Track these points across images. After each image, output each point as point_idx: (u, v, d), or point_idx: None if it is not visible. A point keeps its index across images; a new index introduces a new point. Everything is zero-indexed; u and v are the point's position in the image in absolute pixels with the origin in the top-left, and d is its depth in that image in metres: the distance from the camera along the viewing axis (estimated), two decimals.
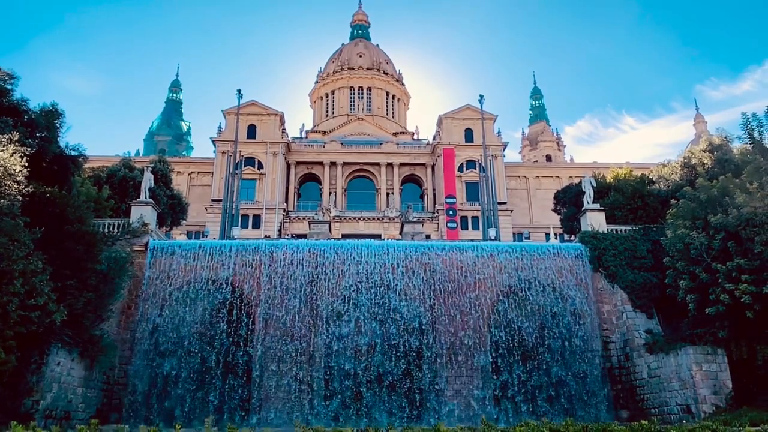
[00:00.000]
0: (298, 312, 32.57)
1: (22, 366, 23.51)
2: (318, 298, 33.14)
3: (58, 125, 30.85)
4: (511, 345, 32.89)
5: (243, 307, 33.17)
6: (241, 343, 32.34)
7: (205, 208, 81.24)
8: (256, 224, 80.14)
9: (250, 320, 32.92)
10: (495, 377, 32.35)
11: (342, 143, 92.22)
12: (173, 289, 33.26)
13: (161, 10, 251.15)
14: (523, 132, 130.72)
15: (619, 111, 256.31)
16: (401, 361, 32.14)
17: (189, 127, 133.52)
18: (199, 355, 32.11)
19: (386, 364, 31.99)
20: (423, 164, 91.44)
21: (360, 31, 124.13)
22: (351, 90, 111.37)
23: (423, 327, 32.99)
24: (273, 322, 32.38)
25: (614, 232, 36.66)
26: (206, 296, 33.55)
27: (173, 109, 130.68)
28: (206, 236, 67.13)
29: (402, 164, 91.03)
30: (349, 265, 33.92)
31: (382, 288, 33.48)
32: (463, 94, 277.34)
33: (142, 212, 36.16)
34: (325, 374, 31.89)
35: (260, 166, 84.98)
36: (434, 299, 33.51)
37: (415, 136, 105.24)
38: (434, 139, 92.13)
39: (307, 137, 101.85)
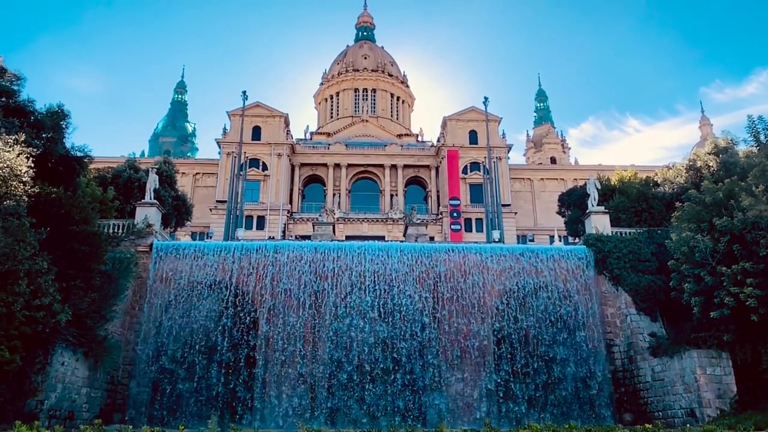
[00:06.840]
0: (302, 313, 32.64)
1: (27, 366, 23.59)
2: (321, 299, 33.19)
3: (64, 126, 30.97)
4: (514, 347, 32.86)
5: (247, 308, 33.26)
6: (245, 344, 32.45)
7: (210, 209, 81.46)
8: (260, 225, 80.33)
9: (254, 321, 33.03)
10: (498, 379, 32.30)
11: (346, 145, 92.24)
12: (177, 290, 33.36)
13: (166, 11, 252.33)
14: (527, 134, 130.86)
15: (623, 113, 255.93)
16: (404, 363, 32.15)
17: (194, 128, 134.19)
18: (203, 355, 32.20)
19: (389, 365, 32.01)
20: (427, 166, 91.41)
21: (365, 33, 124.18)
22: (356, 92, 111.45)
23: (426, 329, 32.98)
24: (276, 322, 32.43)
25: (619, 234, 36.51)
26: (210, 297, 33.68)
27: (178, 110, 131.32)
28: (210, 237, 67.45)
29: (406, 166, 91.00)
30: (352, 266, 33.95)
31: (385, 290, 33.49)
32: (468, 96, 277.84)
33: (147, 213, 36.27)
34: (328, 375, 31.94)
35: (265, 168, 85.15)
36: (437, 301, 33.50)
37: (420, 138, 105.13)
38: (438, 140, 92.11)
39: (311, 139, 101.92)
